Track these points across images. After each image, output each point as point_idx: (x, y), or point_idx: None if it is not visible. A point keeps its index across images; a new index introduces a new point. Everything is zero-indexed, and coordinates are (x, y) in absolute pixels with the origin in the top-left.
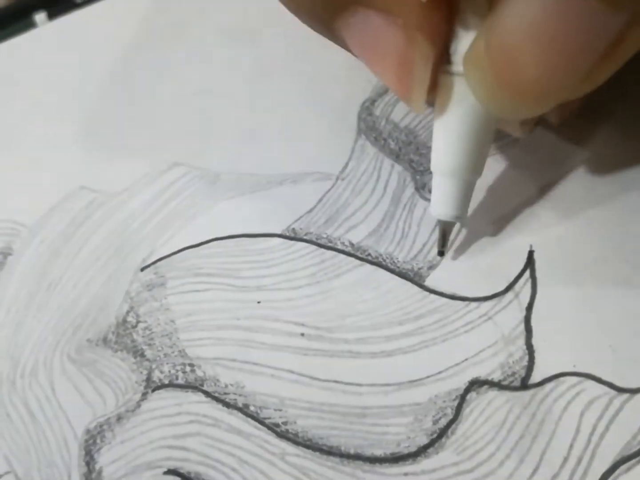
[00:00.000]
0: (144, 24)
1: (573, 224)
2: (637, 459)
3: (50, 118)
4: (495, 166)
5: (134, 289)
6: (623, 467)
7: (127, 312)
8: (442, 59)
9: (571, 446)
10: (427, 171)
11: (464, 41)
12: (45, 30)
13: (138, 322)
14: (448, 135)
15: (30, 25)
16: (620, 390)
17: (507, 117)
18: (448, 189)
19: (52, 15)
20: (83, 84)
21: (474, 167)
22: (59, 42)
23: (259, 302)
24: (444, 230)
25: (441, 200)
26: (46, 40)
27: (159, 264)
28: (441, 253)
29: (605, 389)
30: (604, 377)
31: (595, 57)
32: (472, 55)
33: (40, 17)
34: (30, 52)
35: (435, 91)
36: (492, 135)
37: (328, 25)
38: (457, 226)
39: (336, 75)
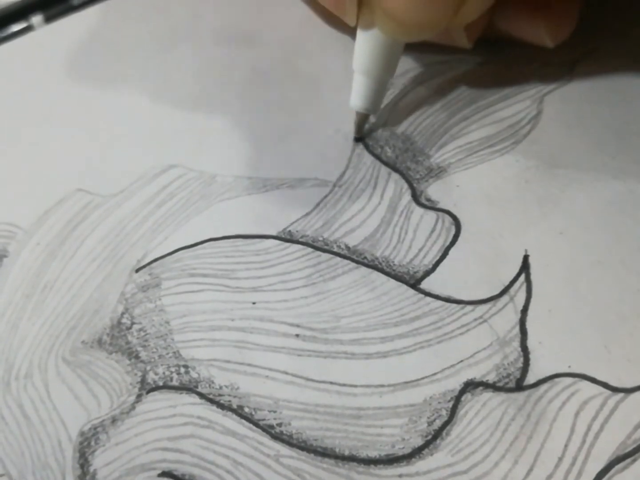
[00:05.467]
0: (140, 27)
1: (568, 228)
2: (631, 458)
3: (47, 120)
4: (490, 172)
5: (129, 290)
6: (618, 466)
7: (122, 314)
8: None
9: (566, 446)
10: (423, 179)
11: None
12: (42, 32)
13: (133, 323)
14: (367, 40)
15: (27, 27)
16: (615, 390)
17: (398, 40)
18: (365, 85)
19: (49, 18)
20: (79, 86)
21: (386, 68)
22: (56, 44)
23: (254, 303)
24: (360, 120)
25: (359, 95)
26: (43, 42)
27: (153, 264)
28: (357, 139)
29: (600, 389)
30: (599, 377)
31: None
32: None
33: (37, 19)
34: (27, 54)
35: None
36: (403, 43)
37: None
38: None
39: (334, 79)
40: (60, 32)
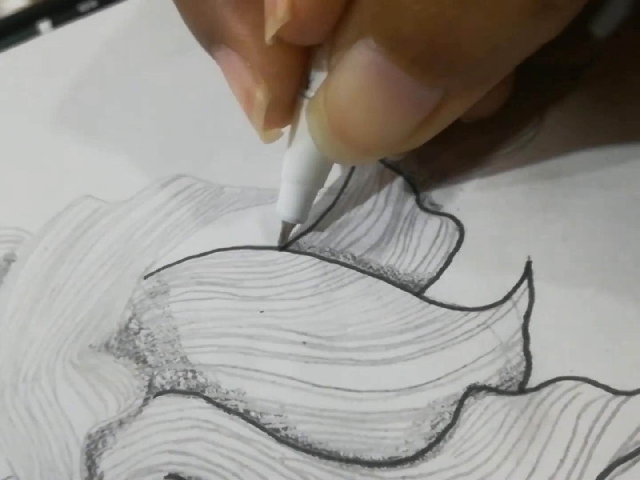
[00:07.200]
0: (148, 34)
1: (571, 234)
2: (633, 459)
3: (55, 126)
4: (494, 177)
5: (137, 296)
6: (619, 468)
7: (130, 319)
8: (301, 83)
9: (568, 448)
10: (426, 182)
11: (317, 75)
12: (49, 38)
13: (140, 328)
14: (297, 150)
15: (34, 33)
16: (617, 392)
17: (338, 162)
18: (292, 195)
19: (56, 24)
20: (87, 92)
21: (316, 180)
22: (63, 50)
23: (261, 312)
24: (285, 229)
25: (286, 205)
26: (50, 48)
27: (162, 272)
28: (281, 248)
29: (602, 391)
30: (601, 381)
31: (415, 123)
32: (314, 102)
33: (44, 25)
34: (34, 59)
35: (293, 110)
36: None
37: (208, 50)
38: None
39: None
40: (70, 39)
